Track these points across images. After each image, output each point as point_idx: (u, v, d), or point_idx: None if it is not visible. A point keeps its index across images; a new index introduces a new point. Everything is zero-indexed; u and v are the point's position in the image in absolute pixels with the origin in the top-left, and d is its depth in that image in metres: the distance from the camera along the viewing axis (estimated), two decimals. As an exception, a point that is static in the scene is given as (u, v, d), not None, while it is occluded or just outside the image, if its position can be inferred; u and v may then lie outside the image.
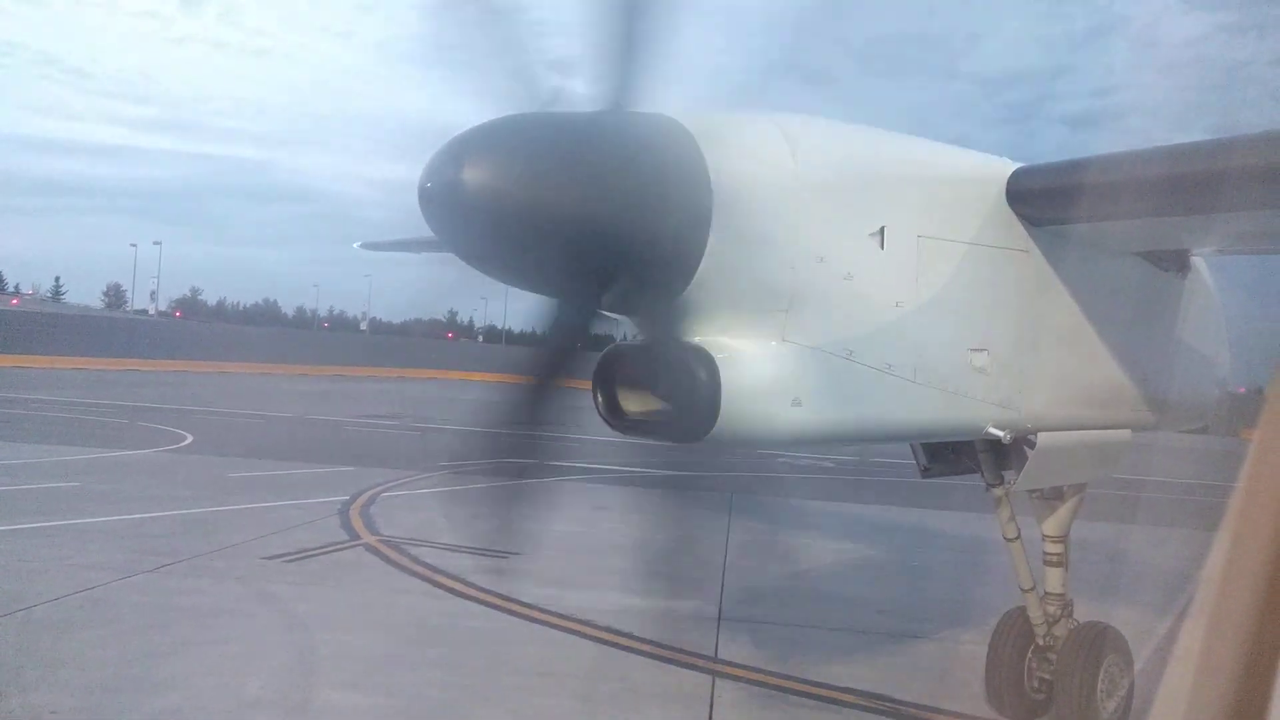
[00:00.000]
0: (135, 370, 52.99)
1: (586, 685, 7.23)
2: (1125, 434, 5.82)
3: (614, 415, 4.22)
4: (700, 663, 7.76)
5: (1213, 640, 0.99)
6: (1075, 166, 4.73)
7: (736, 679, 7.44)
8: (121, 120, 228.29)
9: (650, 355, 4.12)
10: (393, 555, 10.94)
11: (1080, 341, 5.27)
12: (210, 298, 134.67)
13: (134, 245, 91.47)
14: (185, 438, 21.59)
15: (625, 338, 4.40)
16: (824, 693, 7.21)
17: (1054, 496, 6.39)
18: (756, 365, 3.91)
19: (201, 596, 8.65)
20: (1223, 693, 0.97)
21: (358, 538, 11.82)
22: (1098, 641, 6.19)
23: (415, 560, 10.73)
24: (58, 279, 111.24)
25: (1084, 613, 6.64)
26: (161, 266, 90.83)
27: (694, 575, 10.94)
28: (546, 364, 3.97)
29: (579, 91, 3.61)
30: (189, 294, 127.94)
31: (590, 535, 13.25)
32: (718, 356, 3.81)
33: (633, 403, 4.22)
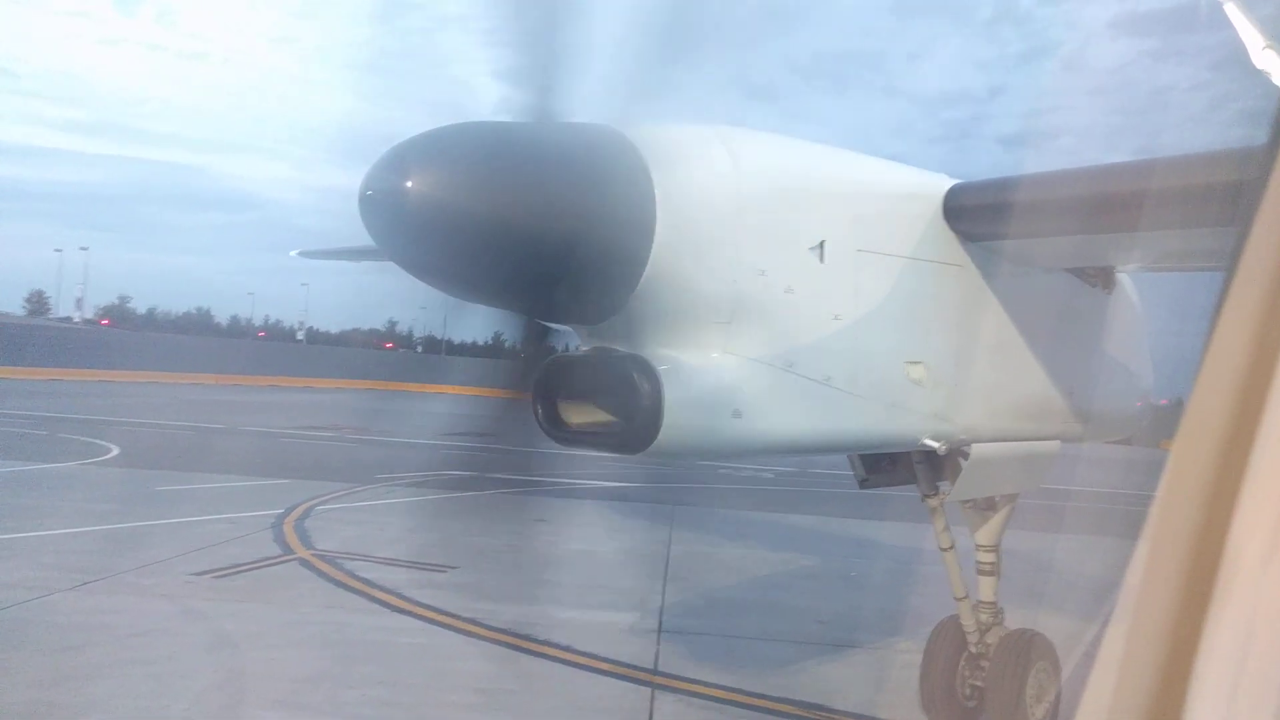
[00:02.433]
0: (58, 380, 51.01)
1: (526, 700, 7.16)
2: (1054, 445, 5.99)
3: (555, 427, 4.20)
4: (640, 675, 7.74)
5: (1134, 645, 1.02)
6: (1008, 184, 4.87)
7: (676, 691, 7.43)
8: (48, 122, 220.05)
9: (592, 367, 4.12)
10: (328, 570, 10.70)
11: (1012, 354, 5.41)
12: (140, 306, 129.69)
13: (59, 251, 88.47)
14: (110, 450, 20.85)
15: (567, 348, 4.39)
16: (763, 704, 7.24)
17: (986, 506, 6.54)
18: (698, 377, 3.93)
19: (124, 615, 8.34)
20: (1143, 696, 1.00)
21: (291, 552, 11.53)
22: (1027, 648, 6.34)
23: (351, 575, 10.51)
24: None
25: (1014, 620, 6.80)
26: (88, 273, 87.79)
27: (635, 587, 10.93)
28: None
29: (524, 102, 3.60)
30: (117, 301, 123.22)
31: (529, 548, 13.14)
32: (660, 368, 3.82)
33: (574, 414, 4.21)
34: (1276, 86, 5.97)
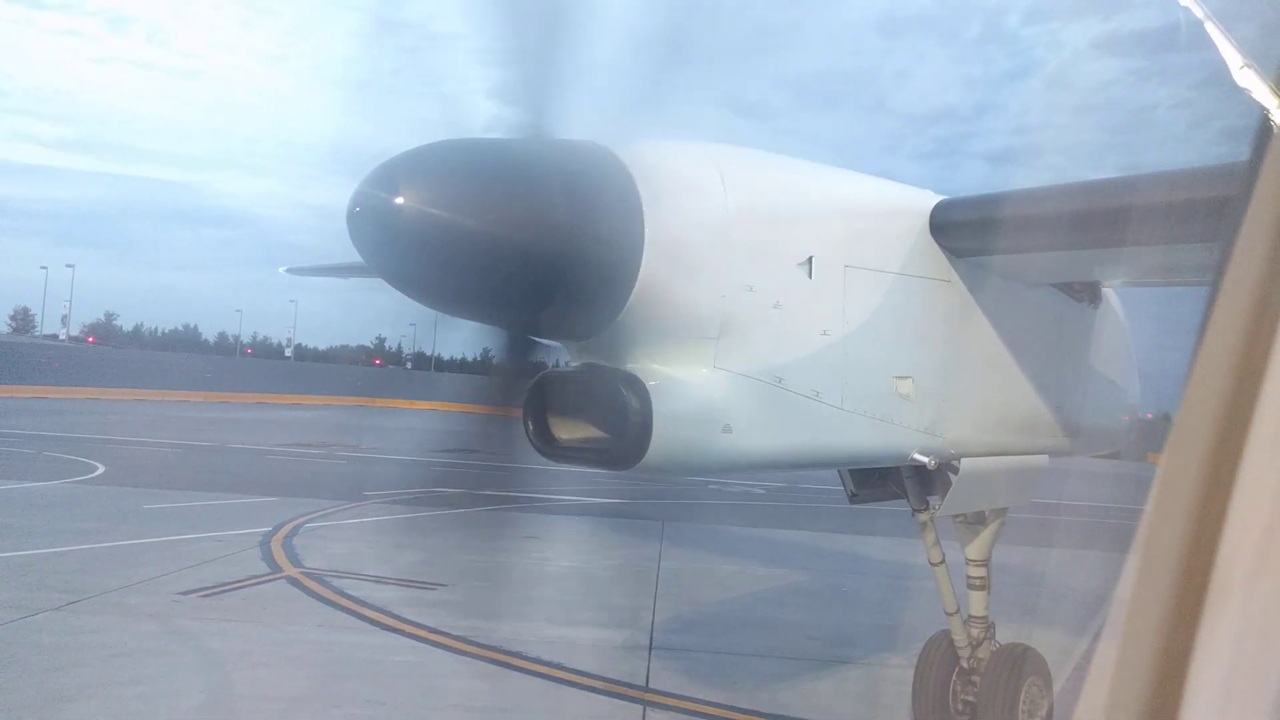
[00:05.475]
0: (44, 398, 50.61)
1: (517, 718, 7.11)
2: (1043, 459, 6.01)
3: (545, 443, 4.19)
4: (631, 693, 7.70)
5: (1126, 658, 1.02)
6: (995, 200, 4.91)
7: (667, 708, 7.39)
8: (37, 139, 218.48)
9: (582, 382, 4.11)
10: (316, 588, 10.62)
11: (1000, 369, 5.44)
12: (126, 323, 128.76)
13: (45, 268, 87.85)
14: (96, 468, 20.67)
15: (557, 364, 4.38)
16: (755, 720, 7.21)
17: (976, 521, 6.55)
18: (688, 392, 3.93)
19: (110, 635, 8.25)
20: (1136, 709, 1.00)
21: (279, 570, 11.44)
22: (1019, 663, 6.33)
23: (340, 593, 10.43)
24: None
25: (1006, 635, 6.80)
26: (75, 290, 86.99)
27: (625, 604, 10.88)
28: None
29: (515, 119, 3.61)
30: (103, 319, 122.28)
31: (520, 565, 13.07)
32: (649, 384, 3.82)
33: (564, 430, 4.20)
34: (1257, 104, 6.04)
